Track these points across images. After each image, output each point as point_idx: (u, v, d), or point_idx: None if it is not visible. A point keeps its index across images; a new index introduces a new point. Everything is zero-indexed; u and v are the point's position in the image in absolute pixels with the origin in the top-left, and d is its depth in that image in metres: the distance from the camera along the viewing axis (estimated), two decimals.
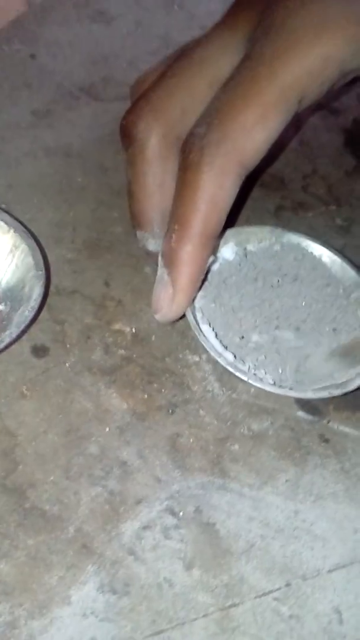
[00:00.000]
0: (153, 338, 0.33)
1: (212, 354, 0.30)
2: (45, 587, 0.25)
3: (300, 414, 0.32)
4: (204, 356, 0.33)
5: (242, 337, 0.32)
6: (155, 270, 0.34)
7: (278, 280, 0.33)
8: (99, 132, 0.42)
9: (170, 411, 0.31)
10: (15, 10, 0.47)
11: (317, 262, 0.34)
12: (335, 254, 0.34)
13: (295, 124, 0.44)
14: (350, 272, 0.34)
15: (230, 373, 0.32)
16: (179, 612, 0.26)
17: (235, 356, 0.31)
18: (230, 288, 0.33)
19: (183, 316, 0.31)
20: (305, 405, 0.32)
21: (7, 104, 0.43)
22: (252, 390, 0.32)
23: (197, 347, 0.33)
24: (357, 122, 0.46)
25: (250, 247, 0.34)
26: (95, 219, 0.37)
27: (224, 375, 0.32)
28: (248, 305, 0.32)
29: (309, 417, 0.32)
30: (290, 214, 0.39)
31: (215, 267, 0.33)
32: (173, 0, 0.53)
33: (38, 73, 0.45)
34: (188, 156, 0.29)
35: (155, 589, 0.26)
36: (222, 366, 0.32)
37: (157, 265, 0.33)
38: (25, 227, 0.32)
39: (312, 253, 0.34)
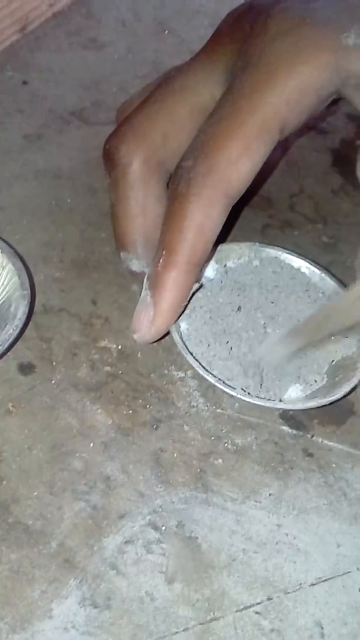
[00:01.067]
0: (139, 355, 0.34)
1: (200, 371, 0.30)
2: (27, 601, 0.26)
3: (285, 428, 0.32)
4: (189, 372, 0.33)
5: (231, 349, 0.32)
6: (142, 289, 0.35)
7: (259, 292, 0.34)
8: (88, 154, 0.43)
9: (154, 427, 0.31)
10: (9, 39, 0.49)
11: (295, 272, 0.35)
12: (314, 266, 0.35)
13: (283, 146, 0.45)
14: (330, 282, 0.34)
15: (216, 389, 0.32)
16: (160, 626, 0.26)
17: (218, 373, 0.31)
18: (212, 304, 0.33)
19: (165, 335, 0.32)
20: (290, 419, 0.32)
21: None
22: (237, 405, 0.32)
23: (183, 363, 0.33)
24: (344, 141, 0.47)
25: (229, 264, 0.35)
26: (83, 239, 0.38)
27: (208, 391, 0.32)
28: (230, 318, 0.33)
29: (293, 431, 0.32)
30: (277, 231, 0.40)
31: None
32: (163, 26, 0.54)
33: (30, 98, 0.46)
34: (177, 187, 0.30)
35: (136, 602, 0.26)
36: (208, 382, 0.33)
37: (143, 284, 0.34)
38: (11, 247, 0.33)
39: (290, 265, 0.35)
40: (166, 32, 0.54)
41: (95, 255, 0.37)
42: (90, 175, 0.41)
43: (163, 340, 0.34)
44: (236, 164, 0.29)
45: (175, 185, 0.30)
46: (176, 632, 0.26)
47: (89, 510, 0.28)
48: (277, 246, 0.36)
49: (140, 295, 0.31)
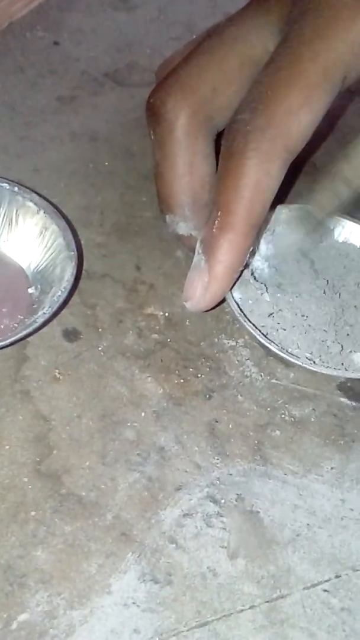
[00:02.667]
0: (187, 322, 0.32)
1: (261, 339, 0.29)
2: (84, 576, 0.24)
3: (344, 400, 0.30)
4: (240, 341, 0.32)
5: (291, 318, 0.30)
6: (188, 255, 0.33)
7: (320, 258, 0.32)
8: (125, 117, 0.41)
9: (207, 396, 0.29)
10: None
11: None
12: None
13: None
14: None
15: (269, 358, 0.31)
16: (224, 603, 0.24)
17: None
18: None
19: (215, 306, 0.30)
20: (348, 391, 0.31)
21: (32, 90, 0.42)
22: (292, 375, 0.31)
23: (233, 332, 0.32)
24: None
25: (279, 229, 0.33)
26: (123, 203, 0.36)
27: (262, 360, 0.31)
28: (288, 287, 0.31)
29: (353, 403, 0.30)
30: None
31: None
32: None
33: (62, 60, 0.44)
34: (232, 143, 0.28)
35: (198, 578, 0.25)
36: (260, 351, 0.31)
37: (188, 250, 0.32)
38: (54, 207, 0.31)
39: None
40: None
41: (136, 220, 0.36)
42: (128, 137, 0.40)
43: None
44: (297, 115, 0.27)
45: (231, 140, 0.28)
46: (242, 610, 0.24)
47: (144, 482, 0.27)
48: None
49: (186, 260, 0.29)
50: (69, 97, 0.42)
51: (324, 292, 0.31)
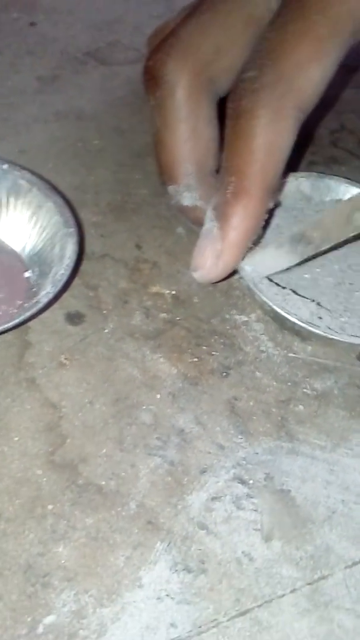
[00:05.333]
0: (195, 300, 0.30)
1: (280, 311, 0.27)
2: (111, 570, 0.22)
3: None
4: (252, 315, 0.30)
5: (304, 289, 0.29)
6: (190, 231, 0.31)
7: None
8: (111, 94, 0.39)
9: (224, 374, 0.28)
10: None
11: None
12: None
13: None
14: None
15: (284, 332, 0.29)
16: (264, 589, 0.23)
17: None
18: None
19: (223, 280, 0.28)
20: None
21: (11, 71, 0.40)
22: (309, 348, 0.29)
23: (245, 307, 0.30)
24: None
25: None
26: (117, 182, 0.35)
27: (277, 335, 0.29)
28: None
29: None
30: (323, 167, 0.37)
31: None
32: None
33: (40, 40, 0.42)
34: (240, 103, 0.26)
35: (234, 564, 0.23)
36: (275, 325, 0.30)
37: (193, 222, 0.31)
38: (48, 183, 0.30)
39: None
40: None
41: (132, 198, 0.34)
42: (116, 115, 0.38)
43: (218, 283, 0.31)
44: (307, 70, 0.26)
45: (238, 100, 0.26)
46: (283, 595, 0.22)
47: (166, 467, 0.25)
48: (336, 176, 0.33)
49: (189, 236, 0.27)
50: (50, 77, 0.40)
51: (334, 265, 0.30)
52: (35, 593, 0.21)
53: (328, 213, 0.28)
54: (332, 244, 0.28)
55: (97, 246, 0.31)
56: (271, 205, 0.27)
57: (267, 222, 0.28)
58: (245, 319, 0.30)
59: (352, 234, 0.28)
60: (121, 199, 0.34)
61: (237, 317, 0.30)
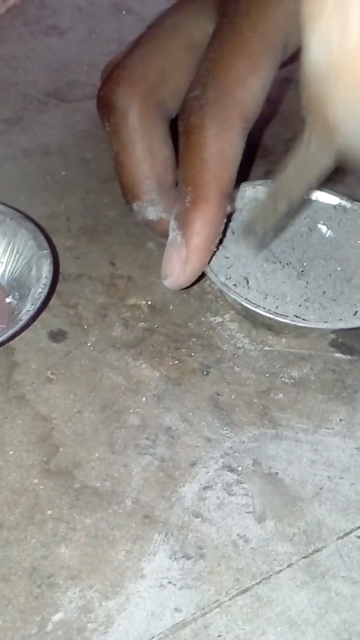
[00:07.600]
0: (171, 307, 0.32)
1: (249, 306, 0.28)
2: (113, 564, 0.23)
3: (338, 355, 0.30)
4: (226, 316, 0.31)
5: (266, 282, 0.30)
6: (160, 245, 0.33)
7: None
8: (74, 128, 0.41)
9: (205, 372, 0.29)
10: None
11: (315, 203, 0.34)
12: (331, 193, 0.34)
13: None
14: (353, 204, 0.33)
15: (258, 328, 0.31)
16: (262, 566, 0.23)
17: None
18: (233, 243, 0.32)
19: (192, 284, 0.30)
20: (341, 346, 0.31)
21: None
22: (284, 340, 0.31)
23: (218, 309, 0.32)
24: None
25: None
26: (87, 207, 0.36)
27: (251, 331, 0.31)
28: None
29: (347, 357, 0.30)
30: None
31: None
32: (119, 7, 0.53)
33: (2, 86, 0.44)
34: (189, 119, 0.28)
35: (230, 547, 0.24)
36: (248, 323, 0.31)
37: (160, 235, 0.32)
38: (19, 212, 0.31)
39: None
40: (124, 12, 0.53)
41: (103, 220, 0.36)
42: (80, 147, 0.40)
43: (191, 289, 0.32)
44: (246, 83, 0.28)
45: (187, 118, 0.28)
46: (280, 570, 0.23)
47: (157, 463, 0.26)
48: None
49: (159, 250, 0.29)
50: (15, 118, 0.42)
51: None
52: (41, 594, 0.22)
53: (259, 208, 0.30)
54: (270, 231, 0.30)
55: (72, 267, 0.33)
56: (229, 210, 0.29)
57: (226, 227, 0.29)
58: (220, 320, 0.31)
59: (280, 219, 0.30)
60: (92, 222, 0.35)
61: (212, 319, 0.31)
